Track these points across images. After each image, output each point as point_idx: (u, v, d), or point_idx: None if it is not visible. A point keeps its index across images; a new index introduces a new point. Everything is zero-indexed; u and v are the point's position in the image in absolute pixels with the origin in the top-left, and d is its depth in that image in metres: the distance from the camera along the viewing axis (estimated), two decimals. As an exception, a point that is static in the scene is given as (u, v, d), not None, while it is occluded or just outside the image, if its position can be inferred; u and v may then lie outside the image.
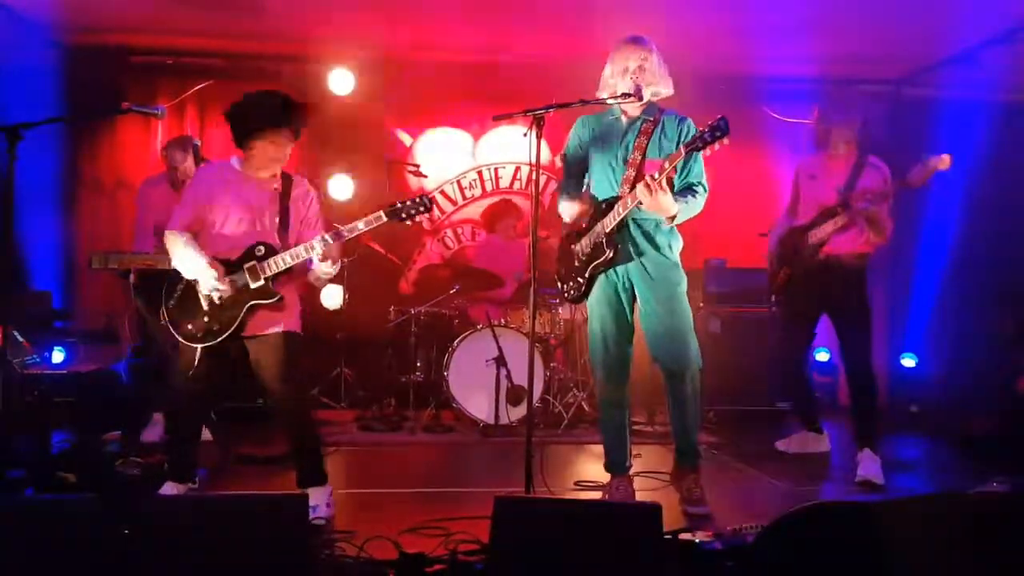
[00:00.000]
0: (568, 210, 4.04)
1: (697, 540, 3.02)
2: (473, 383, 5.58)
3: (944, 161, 4.46)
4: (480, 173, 7.34)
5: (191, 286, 3.72)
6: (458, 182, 7.31)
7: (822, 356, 7.05)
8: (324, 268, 3.80)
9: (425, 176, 6.84)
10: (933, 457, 5.24)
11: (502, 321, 5.76)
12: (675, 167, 3.65)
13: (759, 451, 5.17)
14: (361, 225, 3.72)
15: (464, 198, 7.32)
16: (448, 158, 7.29)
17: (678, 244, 3.97)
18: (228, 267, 3.68)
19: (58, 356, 5.19)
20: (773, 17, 5.67)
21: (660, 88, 3.88)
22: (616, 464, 4.03)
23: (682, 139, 3.81)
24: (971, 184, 6.58)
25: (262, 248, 3.69)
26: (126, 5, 5.78)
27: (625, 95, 3.79)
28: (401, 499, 4.16)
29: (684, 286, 3.95)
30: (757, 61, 6.58)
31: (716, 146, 3.47)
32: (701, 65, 5.83)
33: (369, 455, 5.14)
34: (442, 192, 7.29)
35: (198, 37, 6.46)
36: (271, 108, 3.67)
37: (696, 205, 3.81)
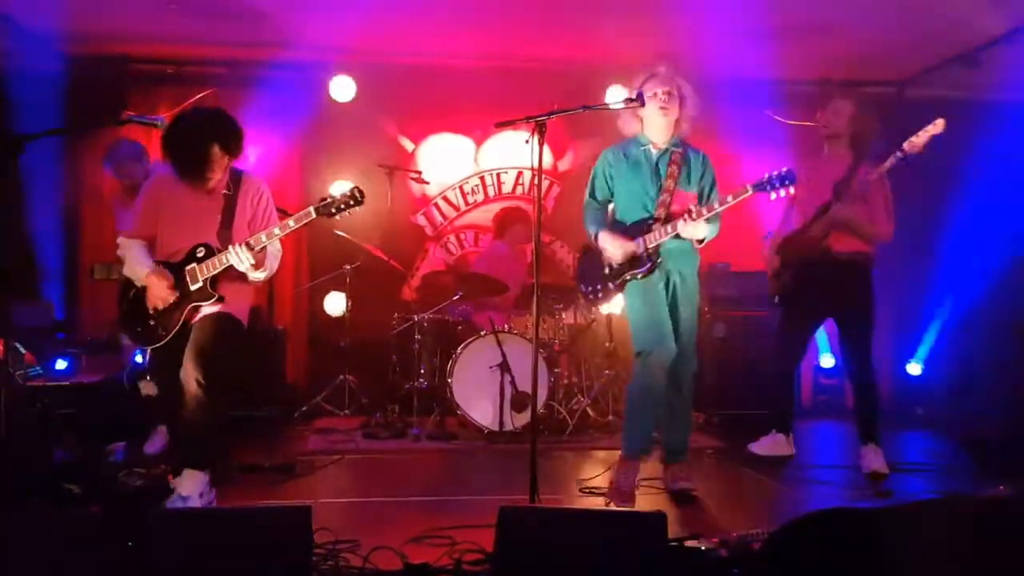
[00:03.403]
0: (600, 233, 4.20)
1: (703, 548, 3.00)
2: (477, 389, 5.56)
3: (938, 125, 4.54)
4: (482, 178, 7.33)
5: (140, 290, 3.76)
6: (460, 188, 7.30)
7: (827, 362, 7.02)
8: (252, 275, 3.74)
9: (427, 182, 6.85)
10: (938, 461, 5.21)
11: (506, 327, 5.74)
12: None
13: (764, 456, 5.14)
14: (292, 223, 3.62)
15: (467, 204, 7.31)
16: (450, 164, 7.28)
17: (699, 261, 4.30)
18: (171, 269, 3.71)
19: (61, 367, 5.18)
20: (775, 19, 5.66)
21: (687, 119, 4.17)
22: (641, 450, 4.17)
23: (705, 172, 4.21)
24: (974, 184, 6.57)
25: (202, 250, 3.69)
26: (127, 14, 5.78)
27: (629, 100, 3.95)
28: (406, 507, 4.15)
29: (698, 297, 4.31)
30: (759, 64, 6.57)
31: (781, 192, 3.83)
32: (703, 68, 5.81)
33: (373, 463, 5.13)
34: (444, 198, 7.28)
35: (199, 45, 6.46)
36: (216, 129, 3.70)
37: (717, 228, 4.14)
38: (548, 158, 6.84)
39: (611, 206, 4.32)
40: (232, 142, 3.76)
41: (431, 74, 6.77)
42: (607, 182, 4.27)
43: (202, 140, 3.66)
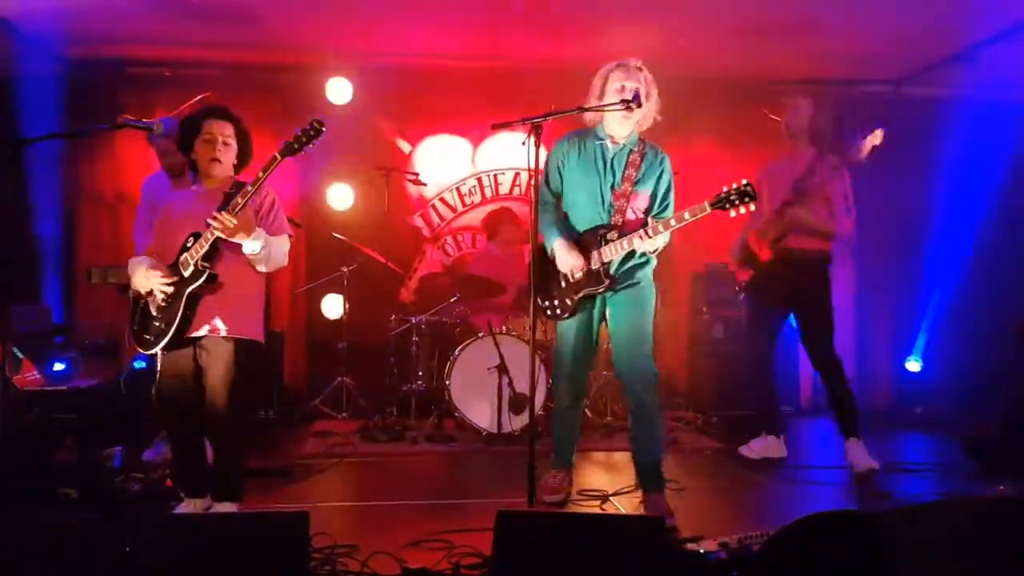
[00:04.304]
0: (556, 241, 3.97)
1: (702, 551, 2.99)
2: (475, 391, 5.55)
3: (877, 136, 4.58)
4: (479, 180, 7.32)
5: (145, 302, 3.76)
6: (457, 189, 7.29)
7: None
8: (245, 247, 3.66)
9: (424, 184, 6.84)
10: (939, 461, 5.20)
11: (503, 329, 5.73)
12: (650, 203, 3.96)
13: (764, 457, 5.13)
14: (261, 174, 3.56)
15: (464, 205, 7.30)
16: (447, 165, 7.27)
17: (652, 263, 4.06)
18: (168, 268, 3.71)
19: (58, 371, 5.17)
20: (772, 18, 5.66)
21: (650, 117, 3.95)
22: (565, 460, 4.22)
23: (662, 174, 3.98)
24: (974, 183, 6.56)
25: (191, 239, 3.67)
26: (124, 17, 5.77)
27: (625, 102, 3.77)
28: (404, 511, 4.14)
29: (652, 304, 4.05)
30: (756, 63, 6.57)
31: (741, 209, 3.59)
32: (700, 68, 5.81)
33: (371, 466, 5.11)
34: (442, 199, 7.27)
35: (196, 48, 6.45)
36: (201, 112, 3.82)
37: (669, 236, 3.89)
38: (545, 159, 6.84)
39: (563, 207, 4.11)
40: (245, 140, 3.86)
41: (428, 75, 6.76)
42: (560, 174, 4.06)
43: (228, 115, 3.81)
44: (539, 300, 4.06)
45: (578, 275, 3.94)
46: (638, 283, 3.98)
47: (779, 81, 6.90)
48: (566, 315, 4.03)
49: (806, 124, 4.94)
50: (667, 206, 3.99)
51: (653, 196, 3.98)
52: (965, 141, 6.45)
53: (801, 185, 4.81)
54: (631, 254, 3.95)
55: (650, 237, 3.76)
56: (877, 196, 6.32)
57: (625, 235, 3.85)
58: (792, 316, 5.09)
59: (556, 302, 4.05)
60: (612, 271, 3.93)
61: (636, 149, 3.96)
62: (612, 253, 3.87)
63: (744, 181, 3.60)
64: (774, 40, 6.06)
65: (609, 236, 3.88)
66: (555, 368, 4.22)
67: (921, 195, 6.71)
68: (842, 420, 4.87)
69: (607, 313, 4.05)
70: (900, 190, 6.30)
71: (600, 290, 3.92)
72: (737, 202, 3.60)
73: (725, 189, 3.63)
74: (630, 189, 3.92)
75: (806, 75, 6.89)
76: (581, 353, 4.09)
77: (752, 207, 3.61)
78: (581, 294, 3.96)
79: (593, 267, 3.91)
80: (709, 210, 3.65)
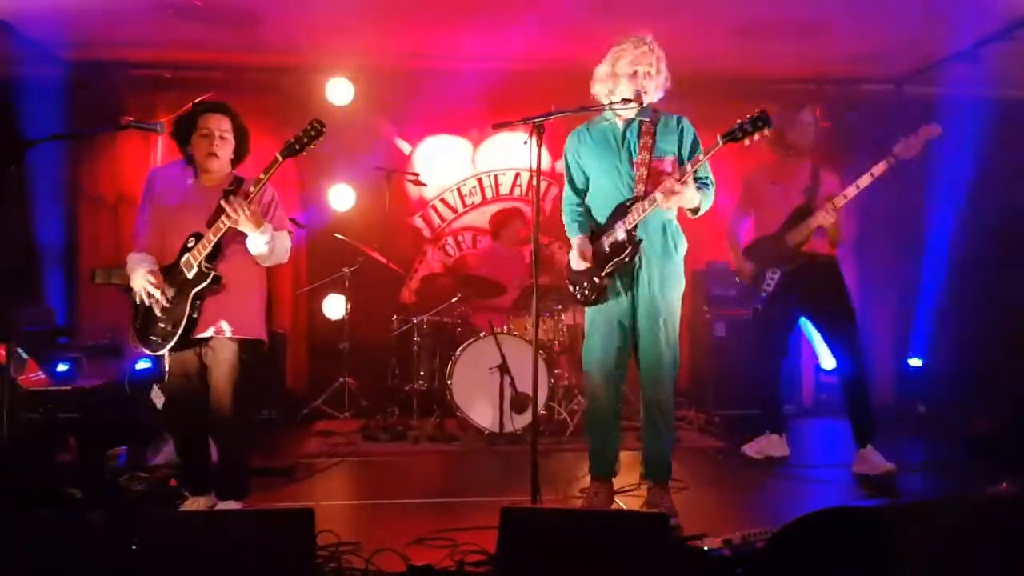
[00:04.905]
0: (576, 239, 3.90)
1: (706, 548, 3.00)
2: (477, 391, 5.56)
3: (935, 130, 4.53)
4: (480, 180, 7.32)
5: (147, 302, 3.76)
6: (458, 189, 7.30)
7: (827, 362, 7.00)
8: (252, 242, 3.69)
9: (424, 184, 6.85)
10: (941, 458, 5.21)
11: (505, 328, 5.74)
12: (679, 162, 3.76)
13: (767, 456, 5.13)
14: (263, 175, 3.57)
15: (464, 205, 7.31)
16: (448, 166, 7.28)
17: (684, 246, 3.92)
18: (168, 271, 3.72)
19: (62, 372, 5.18)
20: (772, 17, 5.66)
21: (660, 92, 3.85)
22: (603, 469, 3.98)
23: (684, 137, 3.82)
24: (975, 182, 6.57)
25: (192, 240, 3.68)
26: (125, 19, 5.78)
27: (626, 100, 3.73)
28: (407, 510, 4.15)
29: (681, 291, 3.92)
30: (756, 63, 6.57)
31: (756, 136, 3.44)
32: (700, 67, 5.80)
33: (374, 465, 5.12)
34: (442, 200, 7.28)
35: (197, 50, 6.45)
36: (198, 106, 3.85)
37: (710, 198, 3.80)
38: (546, 159, 6.83)
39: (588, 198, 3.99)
40: (242, 135, 3.88)
41: (428, 75, 6.76)
42: (579, 167, 3.96)
43: (226, 109, 3.83)
44: (571, 287, 4.01)
45: (607, 250, 3.81)
46: (668, 264, 3.83)
47: (779, 81, 6.92)
48: (594, 296, 3.87)
49: (811, 139, 4.95)
50: (698, 168, 3.76)
51: (679, 160, 3.82)
52: (966, 140, 6.45)
53: (812, 192, 4.82)
54: (664, 238, 3.82)
55: (672, 191, 3.57)
56: (878, 195, 6.31)
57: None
58: (811, 319, 5.07)
59: (586, 283, 3.90)
60: (639, 240, 3.76)
61: (648, 119, 3.81)
62: (636, 217, 3.70)
63: (758, 110, 3.44)
64: (774, 39, 6.07)
65: (633, 206, 3.73)
66: (588, 367, 3.96)
67: (922, 193, 6.72)
68: (864, 427, 4.74)
69: (636, 297, 3.84)
70: (901, 189, 6.29)
71: (625, 259, 3.74)
72: (751, 130, 3.43)
73: (738, 121, 3.46)
74: (649, 157, 3.77)
75: (806, 74, 6.89)
76: (615, 348, 3.86)
77: (767, 132, 3.44)
78: (606, 270, 3.80)
79: (618, 238, 3.76)
80: (722, 143, 3.50)
